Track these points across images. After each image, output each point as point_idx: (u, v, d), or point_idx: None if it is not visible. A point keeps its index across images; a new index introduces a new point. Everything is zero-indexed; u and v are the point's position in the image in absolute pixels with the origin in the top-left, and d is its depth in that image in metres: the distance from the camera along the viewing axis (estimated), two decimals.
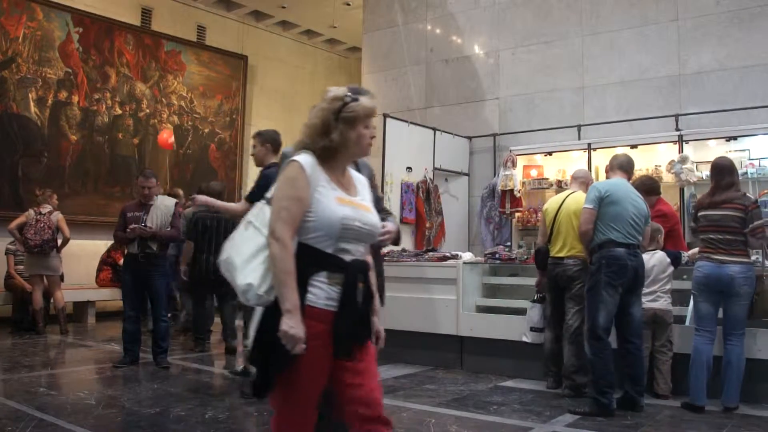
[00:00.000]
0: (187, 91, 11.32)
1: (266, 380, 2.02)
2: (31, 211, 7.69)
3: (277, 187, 2.08)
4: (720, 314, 4.37)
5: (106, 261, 9.17)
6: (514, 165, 7.60)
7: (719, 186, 4.40)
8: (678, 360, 4.63)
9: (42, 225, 7.54)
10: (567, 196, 4.97)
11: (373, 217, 2.16)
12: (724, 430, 3.90)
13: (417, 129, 7.81)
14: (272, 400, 2.08)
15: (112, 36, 10.25)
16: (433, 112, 8.95)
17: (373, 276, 2.19)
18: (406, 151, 7.50)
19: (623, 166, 4.61)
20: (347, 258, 2.07)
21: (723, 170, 4.44)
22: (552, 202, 5.09)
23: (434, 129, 8.00)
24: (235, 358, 6.21)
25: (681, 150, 6.61)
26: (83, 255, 9.36)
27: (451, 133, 8.31)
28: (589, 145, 7.29)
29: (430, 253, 6.33)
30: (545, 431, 3.93)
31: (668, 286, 4.77)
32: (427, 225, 7.64)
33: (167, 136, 10.67)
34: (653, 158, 7.04)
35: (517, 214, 7.67)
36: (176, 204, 6.05)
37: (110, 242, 8.89)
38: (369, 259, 2.19)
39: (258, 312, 2.04)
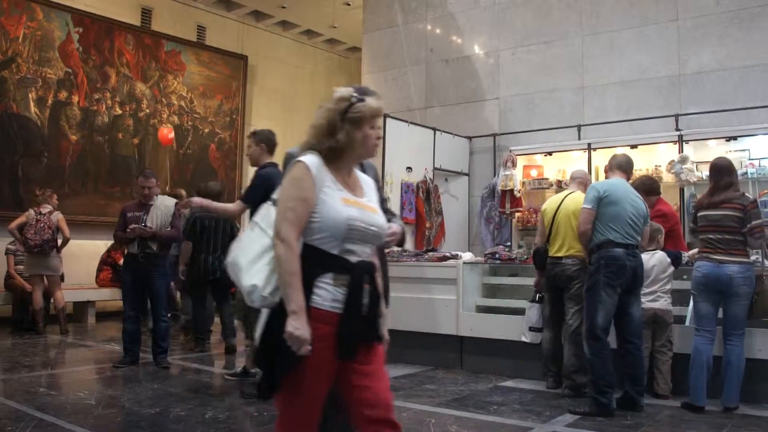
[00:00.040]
0: (187, 91, 11.33)
1: (272, 382, 2.01)
2: (31, 211, 7.69)
3: (282, 188, 2.07)
4: (720, 314, 4.37)
5: (106, 261, 9.18)
6: (514, 165, 7.60)
7: (718, 186, 4.41)
8: (678, 360, 4.63)
9: (42, 225, 7.54)
10: (566, 196, 4.97)
11: (379, 218, 2.15)
12: (724, 430, 3.90)
13: (417, 129, 7.81)
14: (277, 401, 2.07)
15: (112, 36, 10.26)
16: (433, 112, 8.95)
17: (379, 277, 2.16)
18: (406, 151, 7.50)
19: (622, 166, 4.61)
20: (353, 259, 2.05)
21: (721, 170, 4.44)
22: (550, 202, 5.09)
23: (434, 129, 8.00)
24: (236, 357, 6.23)
25: (681, 150, 6.61)
26: (83, 255, 9.36)
27: (451, 133, 8.31)
28: (589, 145, 7.29)
29: (430, 253, 6.33)
30: (545, 431, 3.93)
31: (668, 286, 4.77)
32: (427, 225, 7.64)
33: (167, 131, 10.64)
34: (653, 158, 7.04)
35: (517, 214, 7.67)
36: (176, 204, 6.05)
37: (110, 242, 8.90)
38: (375, 260, 2.17)
39: (263, 314, 2.03)
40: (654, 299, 4.70)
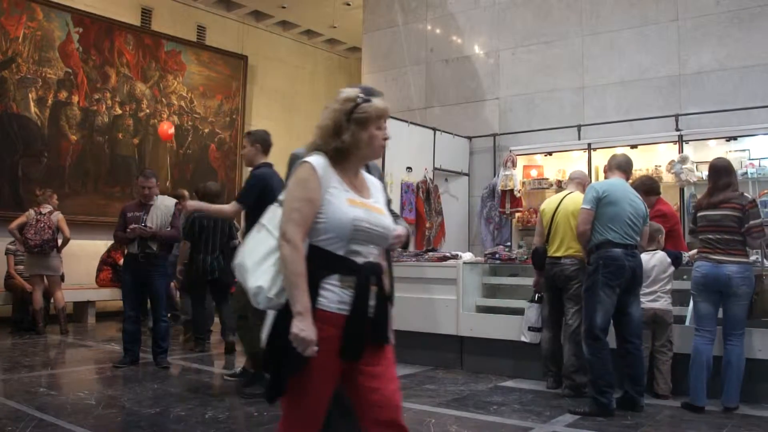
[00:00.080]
0: (187, 91, 11.33)
1: (279, 384, 1.99)
2: (31, 211, 7.69)
3: (288, 189, 2.06)
4: (720, 314, 4.37)
5: (106, 261, 9.18)
6: (514, 165, 7.60)
7: (716, 187, 4.41)
8: (678, 360, 4.63)
9: (42, 225, 7.54)
10: (564, 197, 4.97)
11: (385, 219, 2.13)
12: (724, 430, 3.90)
13: (417, 129, 7.81)
14: (281, 401, 2.06)
15: (112, 36, 10.26)
16: (433, 112, 8.95)
17: (386, 279, 2.14)
18: (406, 151, 7.50)
19: (621, 166, 4.61)
20: (359, 260, 2.03)
21: (720, 171, 4.45)
22: (549, 202, 5.09)
23: (434, 129, 8.00)
24: (235, 357, 6.23)
25: (681, 150, 6.61)
26: (83, 255, 9.36)
27: (451, 133, 8.31)
28: (589, 145, 7.29)
29: (430, 253, 6.34)
30: (545, 431, 3.93)
31: (668, 287, 4.77)
32: (427, 225, 7.64)
33: (167, 127, 10.58)
34: (653, 158, 7.04)
35: (517, 214, 7.67)
36: (176, 204, 6.05)
37: (110, 242, 8.90)
38: (383, 261, 2.15)
39: (270, 316, 2.02)
40: (654, 299, 4.70)
